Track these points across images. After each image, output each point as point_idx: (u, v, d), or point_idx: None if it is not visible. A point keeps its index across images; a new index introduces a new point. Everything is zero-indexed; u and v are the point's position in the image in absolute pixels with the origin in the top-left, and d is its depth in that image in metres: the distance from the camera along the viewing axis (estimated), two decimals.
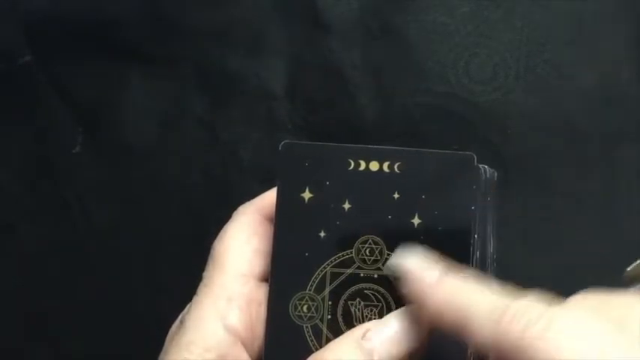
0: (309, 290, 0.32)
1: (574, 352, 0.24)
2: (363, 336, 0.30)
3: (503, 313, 0.26)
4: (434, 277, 0.29)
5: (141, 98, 0.52)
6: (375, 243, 0.32)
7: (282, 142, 0.33)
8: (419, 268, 0.29)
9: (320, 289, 0.32)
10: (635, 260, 0.29)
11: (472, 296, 0.28)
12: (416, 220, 0.31)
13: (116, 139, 0.52)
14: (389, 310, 0.31)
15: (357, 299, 0.31)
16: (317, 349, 0.31)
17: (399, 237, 0.31)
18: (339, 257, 0.32)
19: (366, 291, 0.31)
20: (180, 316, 0.33)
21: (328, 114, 0.49)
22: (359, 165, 0.32)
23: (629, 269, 0.28)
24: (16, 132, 0.53)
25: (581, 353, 0.24)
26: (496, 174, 0.34)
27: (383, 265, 0.31)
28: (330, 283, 0.32)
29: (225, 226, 0.34)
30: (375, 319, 0.31)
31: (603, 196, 0.46)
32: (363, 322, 0.31)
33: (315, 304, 0.32)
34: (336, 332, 0.31)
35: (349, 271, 0.32)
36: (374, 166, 0.32)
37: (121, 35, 0.52)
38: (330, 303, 0.31)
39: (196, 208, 0.50)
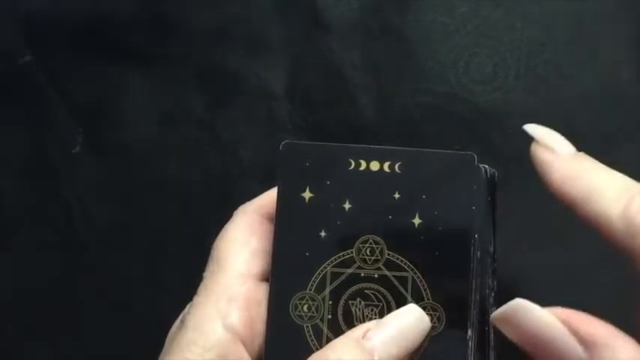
0: (310, 290, 0.32)
1: None
2: (364, 336, 0.30)
3: (634, 197, 0.26)
4: (570, 150, 0.29)
5: (141, 98, 0.52)
6: (376, 243, 0.32)
7: (283, 142, 0.33)
8: (559, 139, 0.30)
9: (320, 288, 0.32)
10: None
11: (604, 174, 0.28)
12: (416, 220, 0.31)
13: (116, 139, 0.52)
14: (389, 310, 0.31)
15: (358, 299, 0.31)
16: (317, 349, 0.31)
17: (399, 237, 0.31)
18: (339, 257, 0.32)
19: (366, 291, 0.31)
20: (180, 316, 0.33)
21: (328, 114, 0.49)
22: (359, 165, 0.32)
23: None
24: (16, 132, 0.53)
25: None
26: (496, 174, 0.34)
27: (383, 265, 0.31)
28: (331, 283, 0.32)
29: (225, 226, 0.34)
30: (375, 318, 0.31)
31: None
32: (364, 321, 0.31)
33: (316, 303, 0.32)
34: (337, 332, 0.31)
35: (350, 270, 0.32)
36: (374, 166, 0.32)
37: (121, 35, 0.52)
38: (330, 303, 0.31)
39: (196, 208, 0.50)
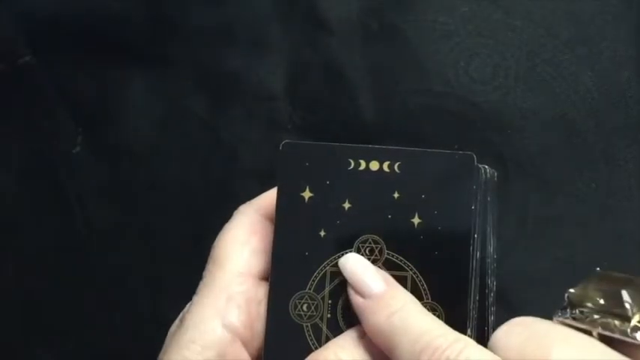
0: (309, 289, 0.32)
1: None
2: (363, 335, 0.30)
3: (424, 349, 0.26)
4: (377, 289, 0.29)
5: (141, 98, 0.52)
6: (375, 242, 0.32)
7: (283, 142, 0.33)
8: (365, 276, 0.30)
9: (320, 288, 0.32)
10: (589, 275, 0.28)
11: (402, 321, 0.28)
12: (416, 220, 0.31)
13: (116, 139, 0.52)
14: None
15: None
16: (317, 348, 0.31)
17: (399, 236, 0.31)
18: (339, 256, 0.32)
19: None
20: (180, 315, 0.33)
21: (328, 114, 0.49)
22: (359, 165, 0.32)
23: (572, 290, 0.27)
24: (16, 132, 0.53)
25: None
26: (496, 174, 0.34)
27: (383, 264, 0.31)
28: (330, 283, 0.32)
29: (225, 226, 0.34)
30: None
31: (603, 196, 0.46)
32: None
33: (315, 303, 0.32)
34: (336, 331, 0.31)
35: None
36: (374, 165, 0.32)
37: (121, 35, 0.52)
38: (330, 302, 0.31)
39: (196, 208, 0.50)
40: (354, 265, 0.30)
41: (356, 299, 0.30)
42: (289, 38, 0.50)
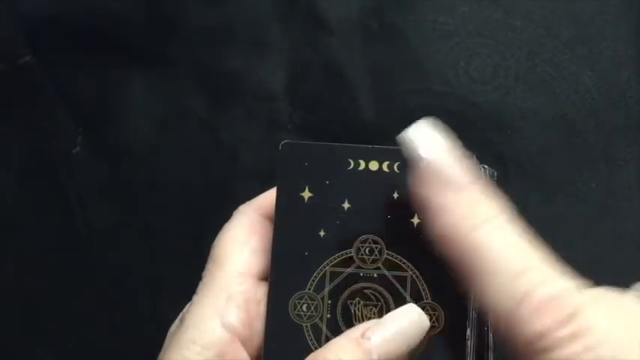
0: (309, 289, 0.32)
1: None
2: (363, 335, 0.30)
3: (532, 290, 0.22)
4: (462, 181, 0.22)
5: (141, 98, 0.52)
6: (375, 242, 0.32)
7: (282, 142, 0.33)
8: (444, 161, 0.22)
9: (319, 288, 0.32)
10: None
11: (498, 241, 0.22)
12: (415, 220, 0.31)
13: (116, 139, 0.52)
14: (388, 310, 0.31)
15: (357, 298, 0.31)
16: (316, 349, 0.31)
17: (398, 237, 0.31)
18: (338, 256, 0.32)
19: (365, 290, 0.31)
20: (180, 315, 0.33)
21: (328, 114, 0.49)
22: (359, 165, 0.32)
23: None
24: (16, 132, 0.53)
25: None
26: (496, 174, 0.34)
27: (382, 264, 0.31)
28: (330, 283, 0.32)
29: (225, 226, 0.34)
30: (374, 318, 0.31)
31: (603, 196, 0.46)
32: (363, 321, 0.31)
33: (315, 303, 0.32)
34: (336, 331, 0.31)
35: (349, 270, 0.32)
36: (374, 165, 0.32)
37: (121, 35, 0.52)
38: (329, 302, 0.31)
39: (196, 208, 0.50)
40: (428, 137, 0.21)
41: (427, 189, 0.22)
42: (289, 38, 0.50)
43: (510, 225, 0.23)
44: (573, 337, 0.21)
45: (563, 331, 0.21)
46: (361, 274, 0.31)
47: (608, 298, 0.23)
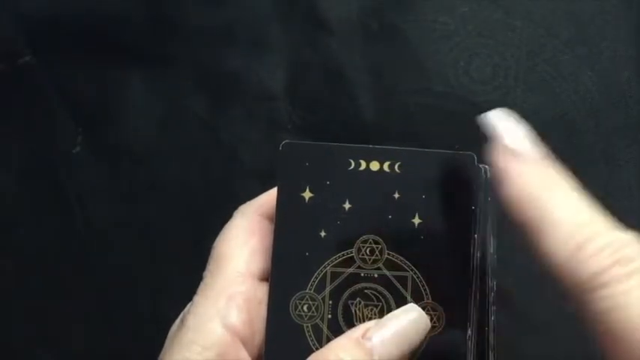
0: (310, 290, 0.32)
1: None
2: (364, 335, 0.30)
3: (591, 238, 0.23)
4: (535, 155, 0.25)
5: (141, 98, 0.52)
6: (376, 243, 0.32)
7: (282, 142, 0.33)
8: (525, 138, 0.26)
9: (320, 288, 0.32)
10: None
11: (564, 200, 0.24)
12: (416, 220, 0.31)
13: (116, 139, 0.52)
14: (389, 310, 0.31)
15: (358, 299, 0.31)
16: (317, 349, 0.31)
17: (399, 237, 0.31)
18: (339, 257, 0.32)
19: (366, 290, 0.31)
20: (180, 315, 0.33)
21: (328, 114, 0.49)
22: (359, 165, 0.32)
23: None
24: (16, 132, 0.53)
25: None
26: None
27: (383, 264, 0.31)
28: (331, 283, 0.32)
29: (225, 226, 0.34)
30: (375, 318, 0.31)
31: (603, 196, 0.46)
32: (364, 321, 0.31)
33: (316, 303, 0.32)
34: (337, 332, 0.31)
35: (349, 270, 0.32)
36: (374, 165, 0.32)
37: (121, 35, 0.52)
38: (330, 302, 0.31)
39: (196, 208, 0.50)
40: (508, 122, 0.27)
41: (505, 158, 0.25)
42: (289, 38, 0.50)
43: (575, 190, 0.25)
44: (630, 274, 0.22)
45: (620, 270, 0.22)
46: (362, 275, 0.31)
47: None
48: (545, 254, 0.24)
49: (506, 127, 0.27)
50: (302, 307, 0.32)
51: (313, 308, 0.32)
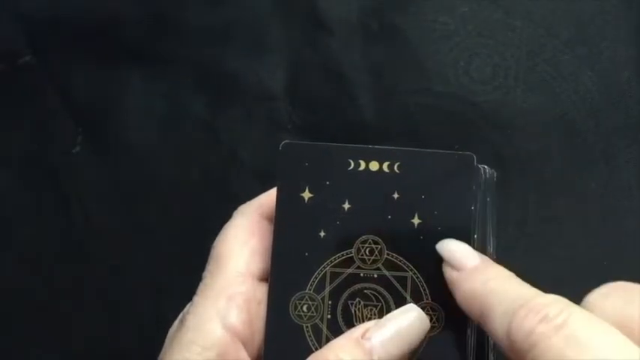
0: (309, 290, 0.32)
1: (581, 353, 0.23)
2: (363, 335, 0.30)
3: (521, 306, 0.26)
4: (473, 264, 0.29)
5: (141, 98, 0.52)
6: (375, 243, 0.32)
7: (282, 142, 0.33)
8: (464, 254, 0.30)
9: (320, 288, 0.32)
10: None
11: (499, 288, 0.28)
12: (416, 220, 0.31)
13: (116, 139, 0.52)
14: (388, 310, 0.31)
15: (357, 299, 0.31)
16: (317, 349, 0.31)
17: (399, 237, 0.31)
18: (338, 257, 0.32)
19: (365, 291, 0.31)
20: (180, 315, 0.33)
21: (328, 114, 0.49)
22: (359, 165, 0.32)
23: None
24: (16, 132, 0.53)
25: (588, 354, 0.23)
26: (496, 174, 0.34)
27: (383, 265, 0.31)
28: (330, 283, 0.32)
29: (225, 226, 0.34)
30: (374, 318, 0.31)
31: (603, 196, 0.46)
32: (363, 321, 0.31)
33: (315, 303, 0.32)
34: (336, 332, 0.31)
35: (349, 270, 0.32)
36: (374, 166, 0.32)
37: (121, 35, 0.52)
38: (330, 303, 0.31)
39: (196, 208, 0.50)
40: (451, 245, 0.31)
41: (451, 274, 0.30)
42: (289, 38, 0.50)
43: (507, 276, 0.29)
44: (553, 330, 0.25)
45: (544, 327, 0.25)
46: (361, 275, 0.31)
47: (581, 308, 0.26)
48: (494, 334, 0.27)
49: (448, 249, 0.30)
50: (301, 308, 0.32)
51: (313, 308, 0.32)
